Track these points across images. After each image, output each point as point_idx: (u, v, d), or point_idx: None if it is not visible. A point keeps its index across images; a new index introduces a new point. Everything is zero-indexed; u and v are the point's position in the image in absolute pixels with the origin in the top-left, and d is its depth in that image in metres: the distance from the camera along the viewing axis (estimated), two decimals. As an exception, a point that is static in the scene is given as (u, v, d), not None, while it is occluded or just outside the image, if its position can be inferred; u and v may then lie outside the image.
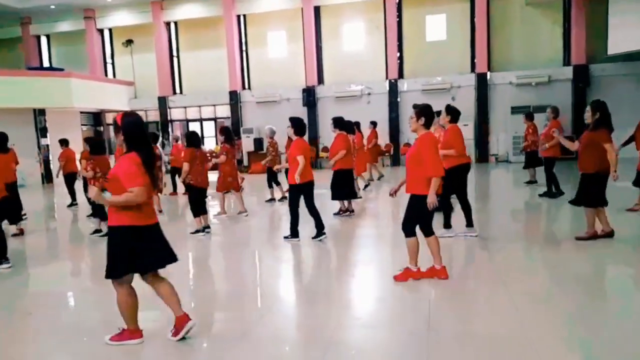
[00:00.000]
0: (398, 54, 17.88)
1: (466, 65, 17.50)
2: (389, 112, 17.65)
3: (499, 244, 5.93)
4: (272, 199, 10.17)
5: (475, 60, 17.11)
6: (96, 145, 7.52)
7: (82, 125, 19.80)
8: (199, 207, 7.25)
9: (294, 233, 6.51)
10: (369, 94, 18.00)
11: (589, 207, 5.67)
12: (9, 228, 7.73)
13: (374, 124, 13.40)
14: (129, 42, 20.80)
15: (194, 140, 7.29)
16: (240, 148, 12.10)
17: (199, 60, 20.03)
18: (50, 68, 20.59)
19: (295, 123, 6.50)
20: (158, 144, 9.95)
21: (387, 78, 17.86)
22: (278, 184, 10.12)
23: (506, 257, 5.46)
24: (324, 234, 6.53)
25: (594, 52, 15.96)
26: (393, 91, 17.72)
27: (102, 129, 20.96)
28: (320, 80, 18.78)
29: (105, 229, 7.17)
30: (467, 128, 16.73)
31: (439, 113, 7.74)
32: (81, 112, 19.63)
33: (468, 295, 4.40)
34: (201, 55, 20.00)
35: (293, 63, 18.89)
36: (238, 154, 11.99)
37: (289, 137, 7.25)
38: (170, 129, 19.97)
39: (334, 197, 8.12)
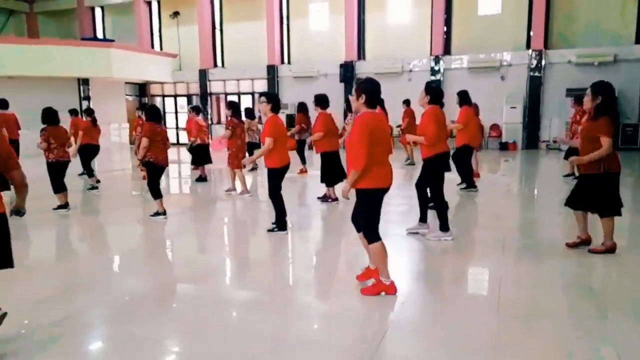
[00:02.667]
0: (445, 29, 16.49)
1: (521, 42, 15.80)
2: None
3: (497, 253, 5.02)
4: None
5: (531, 35, 15.39)
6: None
7: (126, 95, 20.24)
8: (158, 188, 6.57)
9: (282, 225, 5.66)
10: (410, 70, 16.81)
11: (603, 217, 4.57)
12: None
13: (407, 102, 12.35)
14: (176, 14, 20.84)
15: (154, 114, 6.64)
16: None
17: (240, 33, 19.66)
18: (103, 39, 21.10)
19: (271, 98, 5.74)
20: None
21: (431, 54, 16.56)
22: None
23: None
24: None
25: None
26: (436, 69, 16.42)
27: (146, 99, 21.32)
28: (361, 55, 17.82)
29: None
30: (515, 111, 15.32)
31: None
32: (126, 83, 20.04)
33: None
34: (242, 28, 19.61)
35: (334, 37, 18.01)
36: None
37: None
38: (209, 102, 19.93)
39: (322, 180, 7.49)
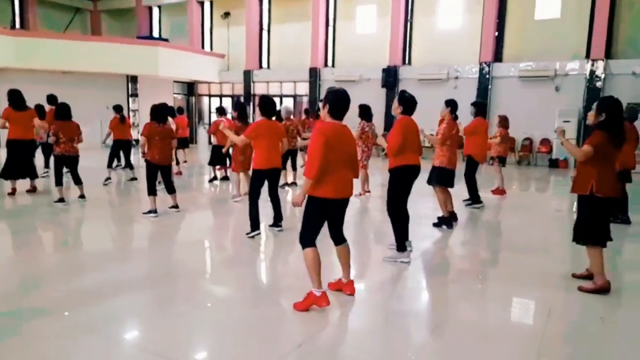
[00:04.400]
0: (496, 34, 15.47)
1: (580, 50, 14.50)
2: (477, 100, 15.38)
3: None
4: (285, 183, 9.46)
5: (592, 43, 14.07)
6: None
7: (174, 93, 20.72)
8: (153, 186, 6.80)
9: (255, 225, 5.75)
10: (457, 77, 15.93)
11: (586, 245, 4.04)
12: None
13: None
14: (227, 14, 21.11)
15: (156, 115, 6.77)
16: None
17: (286, 35, 19.56)
18: (158, 38, 21.74)
19: (263, 102, 5.83)
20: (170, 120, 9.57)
21: (479, 61, 15.59)
22: (294, 168, 9.41)
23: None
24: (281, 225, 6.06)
25: None
26: (484, 76, 15.43)
27: (193, 99, 21.73)
28: (406, 60, 17.14)
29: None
30: (568, 125, 14.08)
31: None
32: (175, 81, 20.50)
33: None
34: (288, 30, 19.50)
35: (379, 40, 17.43)
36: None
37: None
38: (250, 103, 19.97)
39: None
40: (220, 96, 21.34)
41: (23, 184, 8.36)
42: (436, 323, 3.59)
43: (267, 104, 5.76)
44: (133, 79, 18.53)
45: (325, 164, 3.49)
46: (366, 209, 7.91)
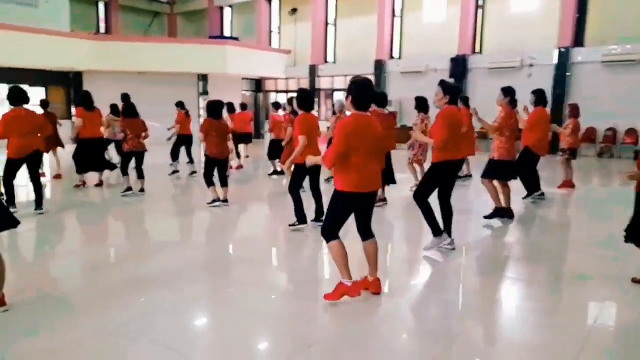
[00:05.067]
0: (577, 16, 14.22)
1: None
2: (554, 89, 14.25)
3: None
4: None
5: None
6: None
7: (243, 90, 21.23)
8: (210, 178, 7.07)
9: (300, 218, 5.73)
10: (531, 65, 14.85)
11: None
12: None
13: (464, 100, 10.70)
14: (294, 10, 21.27)
15: (213, 111, 7.00)
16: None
17: (352, 28, 19.34)
18: (229, 37, 22.38)
19: (302, 96, 5.72)
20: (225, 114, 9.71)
21: (558, 47, 14.42)
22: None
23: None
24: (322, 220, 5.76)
25: None
26: (563, 63, 14.26)
27: (261, 95, 22.14)
28: (476, 48, 16.28)
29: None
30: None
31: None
32: (243, 79, 21.01)
33: None
34: (354, 23, 19.26)
35: (448, 29, 16.69)
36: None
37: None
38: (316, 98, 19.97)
39: None
40: (287, 92, 21.53)
41: (92, 178, 8.90)
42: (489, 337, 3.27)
43: (306, 98, 5.67)
44: (203, 78, 19.20)
45: (346, 155, 3.39)
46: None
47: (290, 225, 5.74)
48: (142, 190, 7.98)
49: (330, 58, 20.21)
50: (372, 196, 3.63)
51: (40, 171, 9.01)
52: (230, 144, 8.29)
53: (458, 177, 9.17)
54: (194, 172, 10.30)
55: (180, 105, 10.72)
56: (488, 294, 3.92)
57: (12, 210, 5.98)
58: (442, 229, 4.75)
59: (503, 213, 6.04)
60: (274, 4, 22.03)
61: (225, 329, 3.31)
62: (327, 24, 20.01)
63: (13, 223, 3.47)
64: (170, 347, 2.94)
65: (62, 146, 9.71)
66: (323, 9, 19.78)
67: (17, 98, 6.12)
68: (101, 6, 22.83)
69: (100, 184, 8.80)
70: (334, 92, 19.67)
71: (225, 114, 9.29)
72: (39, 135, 6.38)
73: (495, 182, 6.09)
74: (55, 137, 9.20)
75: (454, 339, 3.10)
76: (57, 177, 9.53)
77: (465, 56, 15.97)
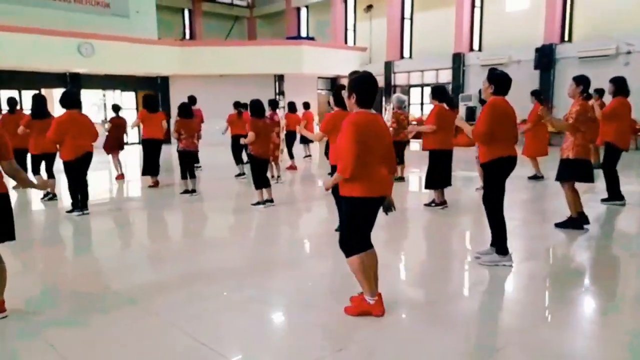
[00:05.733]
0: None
1: None
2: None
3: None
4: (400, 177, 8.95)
5: None
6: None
7: (318, 89, 21.41)
8: (261, 179, 6.85)
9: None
10: (629, 52, 13.54)
11: None
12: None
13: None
14: (369, 7, 21.09)
15: (257, 109, 6.78)
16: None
17: (429, 22, 18.79)
18: (305, 37, 22.68)
19: (338, 92, 5.15)
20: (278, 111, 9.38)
21: (661, 29, 13.04)
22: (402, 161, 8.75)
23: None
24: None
25: None
26: (667, 48, 12.88)
27: (336, 93, 22.14)
28: (565, 36, 15.14)
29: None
30: None
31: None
32: (319, 78, 21.18)
33: None
34: (431, 16, 18.70)
35: (532, 17, 15.72)
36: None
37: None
38: (386, 95, 19.65)
39: (426, 186, 6.71)
40: (363, 89, 21.40)
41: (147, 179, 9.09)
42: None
43: (342, 94, 5.09)
44: (280, 78, 19.61)
45: (360, 159, 3.05)
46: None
47: (336, 230, 5.25)
48: (193, 191, 7.98)
49: (406, 53, 19.79)
50: (382, 202, 3.29)
51: (118, 173, 9.76)
52: (282, 144, 8.22)
53: (528, 177, 8.61)
54: (241, 174, 9.96)
55: (236, 105, 10.10)
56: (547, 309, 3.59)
57: (85, 212, 6.45)
58: (507, 249, 4.20)
59: (579, 222, 5.34)
60: (349, 2, 21.98)
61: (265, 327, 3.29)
62: (402, 18, 19.61)
63: (10, 236, 3.37)
64: (206, 344, 2.96)
65: (122, 147, 10.04)
66: (399, 4, 19.40)
67: (70, 102, 6.35)
68: (186, 13, 24.11)
69: (154, 185, 8.84)
70: (410, 88, 19.24)
71: (281, 112, 9.19)
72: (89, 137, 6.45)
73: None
74: (121, 139, 9.85)
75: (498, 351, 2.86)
76: (120, 177, 9.76)
77: (552, 45, 14.92)
